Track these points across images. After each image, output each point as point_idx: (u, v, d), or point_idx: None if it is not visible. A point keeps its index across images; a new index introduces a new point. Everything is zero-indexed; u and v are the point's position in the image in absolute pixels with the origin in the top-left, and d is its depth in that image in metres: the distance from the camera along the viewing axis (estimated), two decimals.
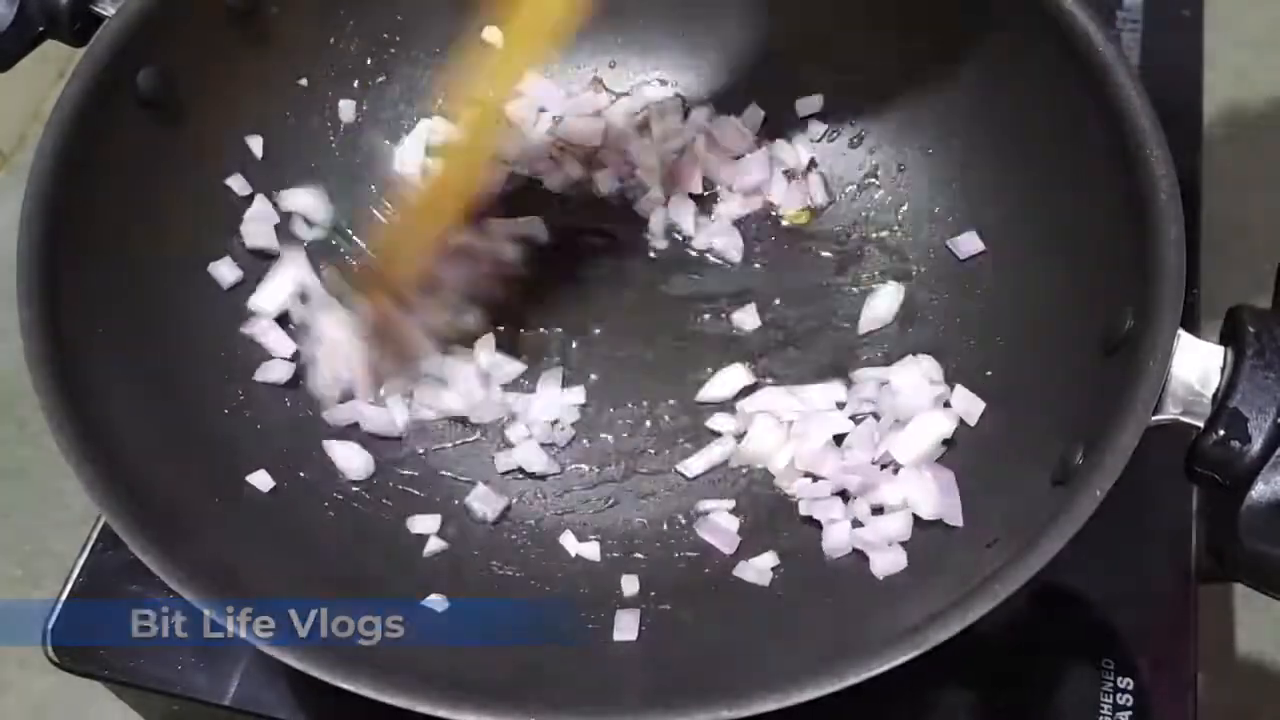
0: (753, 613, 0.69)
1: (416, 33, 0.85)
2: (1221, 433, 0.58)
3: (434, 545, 0.71)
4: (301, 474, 0.73)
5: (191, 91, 0.74)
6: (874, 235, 0.82)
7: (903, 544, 0.68)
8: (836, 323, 0.80)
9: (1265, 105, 1.25)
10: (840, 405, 0.76)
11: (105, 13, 0.71)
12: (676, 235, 0.83)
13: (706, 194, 0.84)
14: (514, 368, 0.78)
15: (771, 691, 0.53)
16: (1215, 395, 0.59)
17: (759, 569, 0.70)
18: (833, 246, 0.83)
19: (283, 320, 0.77)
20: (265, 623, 0.55)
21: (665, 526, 0.74)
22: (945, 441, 0.71)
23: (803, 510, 0.72)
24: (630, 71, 0.88)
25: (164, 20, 0.71)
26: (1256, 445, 0.57)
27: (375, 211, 0.83)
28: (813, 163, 0.85)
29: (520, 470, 0.75)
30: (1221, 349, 0.60)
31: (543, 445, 0.76)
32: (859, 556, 0.69)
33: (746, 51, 0.86)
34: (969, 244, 0.78)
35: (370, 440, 0.75)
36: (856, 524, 0.70)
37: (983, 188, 0.78)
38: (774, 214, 0.84)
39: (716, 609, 0.69)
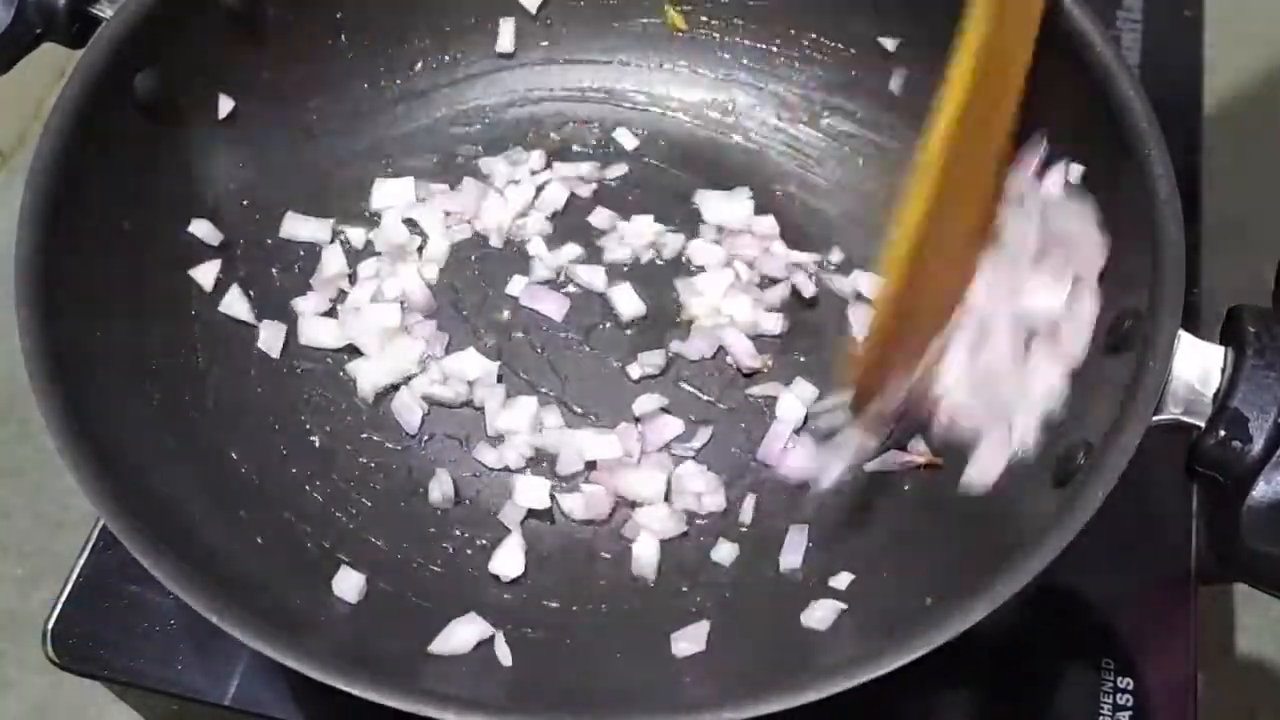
0: (757, 617, 0.69)
1: (417, 37, 0.85)
2: (1222, 433, 0.58)
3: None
4: (293, 470, 0.73)
5: (189, 94, 0.74)
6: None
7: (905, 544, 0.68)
8: None
9: (1265, 105, 1.25)
10: None
11: (103, 15, 0.71)
12: None
13: None
14: None
15: (774, 693, 0.53)
16: (1216, 395, 0.59)
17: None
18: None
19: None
20: (264, 625, 0.55)
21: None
22: None
23: None
24: None
25: (162, 22, 0.71)
26: (1257, 445, 0.57)
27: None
28: None
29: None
30: (1222, 349, 0.60)
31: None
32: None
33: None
34: None
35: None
36: None
37: None
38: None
39: (723, 615, 0.69)
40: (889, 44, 0.81)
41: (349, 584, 0.67)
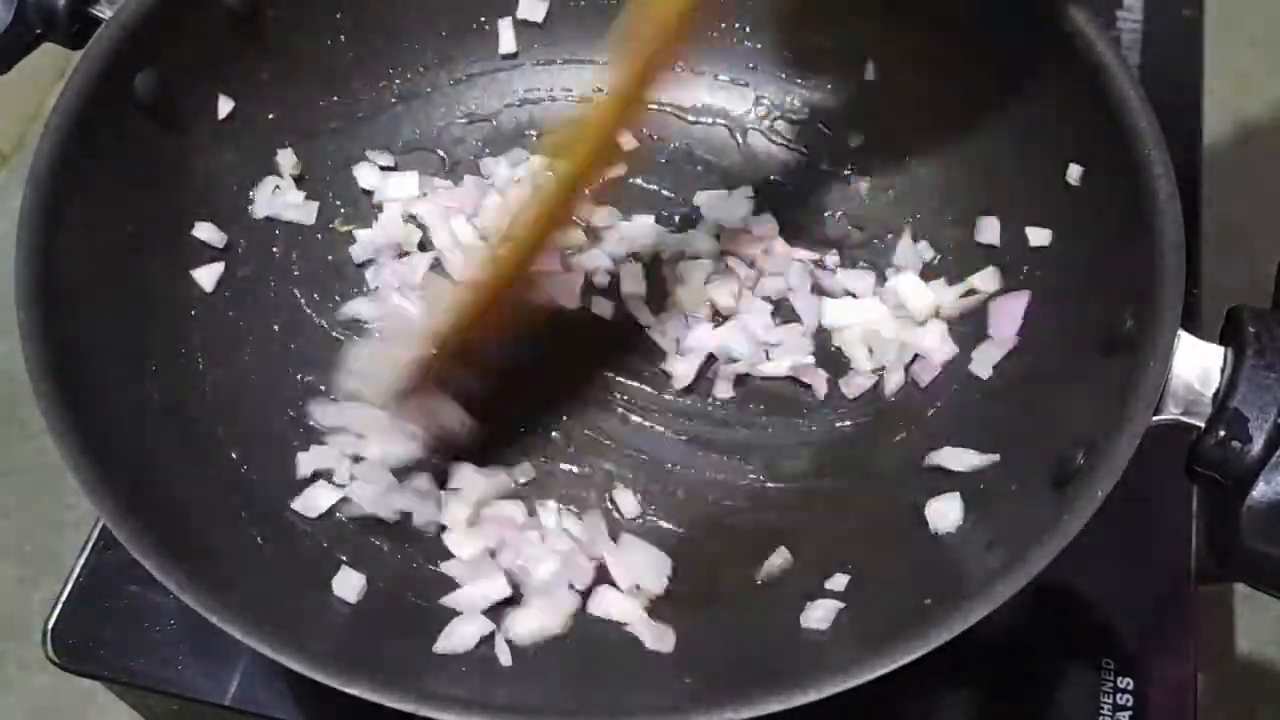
0: (756, 617, 0.69)
1: (416, 38, 0.85)
2: (1222, 433, 0.58)
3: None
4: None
5: (189, 94, 0.74)
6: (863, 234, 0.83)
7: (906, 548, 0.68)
8: None
9: (1265, 105, 1.25)
10: None
11: (103, 15, 0.71)
12: None
13: None
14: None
15: (774, 693, 0.53)
16: (1216, 395, 0.59)
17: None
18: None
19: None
20: (264, 625, 0.55)
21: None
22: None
23: None
24: None
25: (162, 23, 0.71)
26: (1257, 445, 0.57)
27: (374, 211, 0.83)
28: None
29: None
30: (1222, 349, 0.60)
31: None
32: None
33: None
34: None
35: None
36: None
37: (979, 189, 0.78)
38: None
39: (728, 619, 0.69)
40: (871, 68, 0.82)
41: (349, 584, 0.67)
